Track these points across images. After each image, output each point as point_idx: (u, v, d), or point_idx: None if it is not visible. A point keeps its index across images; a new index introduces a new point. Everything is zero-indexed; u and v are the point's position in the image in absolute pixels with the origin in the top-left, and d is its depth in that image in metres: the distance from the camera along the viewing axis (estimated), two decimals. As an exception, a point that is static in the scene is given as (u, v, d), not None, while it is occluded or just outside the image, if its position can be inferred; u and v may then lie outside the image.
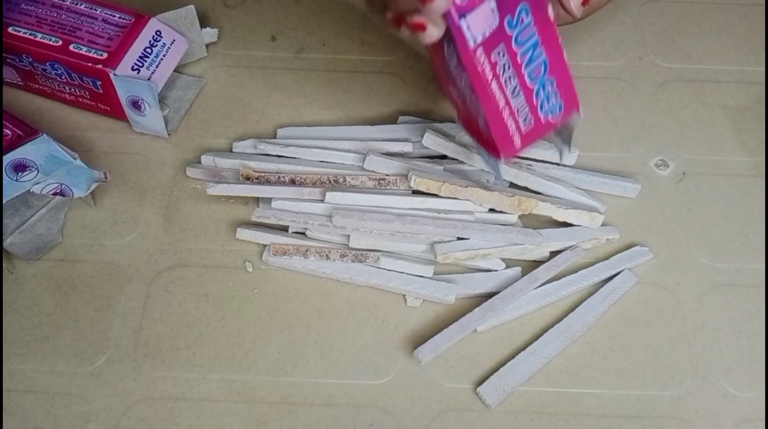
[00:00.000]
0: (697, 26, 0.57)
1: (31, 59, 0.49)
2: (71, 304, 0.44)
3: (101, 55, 0.48)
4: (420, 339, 0.42)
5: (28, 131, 0.45)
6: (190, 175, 0.49)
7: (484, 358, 0.43)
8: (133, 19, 0.49)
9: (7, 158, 0.43)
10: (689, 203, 0.49)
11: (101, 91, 0.49)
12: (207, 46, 0.54)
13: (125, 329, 0.44)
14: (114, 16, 0.49)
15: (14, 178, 0.43)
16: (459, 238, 0.45)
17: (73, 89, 0.50)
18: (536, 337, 0.43)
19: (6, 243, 0.45)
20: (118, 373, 0.42)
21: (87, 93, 0.50)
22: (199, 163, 0.49)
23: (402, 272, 0.45)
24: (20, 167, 0.43)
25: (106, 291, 0.45)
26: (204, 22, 0.55)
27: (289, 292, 0.45)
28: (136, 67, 0.48)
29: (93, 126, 0.51)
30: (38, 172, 0.44)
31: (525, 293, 0.44)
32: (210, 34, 0.54)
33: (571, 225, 0.47)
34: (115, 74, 0.47)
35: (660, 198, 0.49)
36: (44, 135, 0.44)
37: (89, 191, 0.44)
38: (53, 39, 0.48)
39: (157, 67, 0.49)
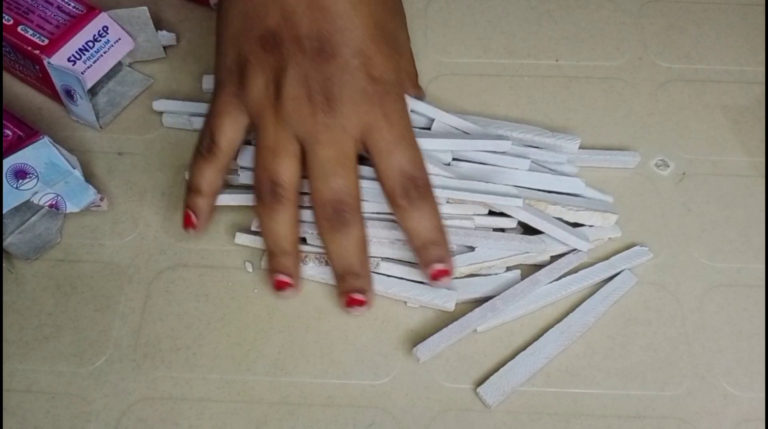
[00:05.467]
0: (697, 26, 0.57)
1: None
2: (71, 304, 0.44)
3: (43, 41, 0.48)
4: (420, 339, 0.42)
5: (29, 132, 0.45)
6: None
7: (484, 358, 0.43)
8: (84, 11, 0.49)
9: (8, 163, 0.43)
10: (689, 203, 0.48)
11: (41, 76, 0.49)
12: (167, 48, 0.54)
13: (125, 329, 0.44)
14: (69, 5, 0.50)
15: (15, 186, 0.43)
16: (460, 245, 0.45)
17: (22, 68, 0.51)
18: (536, 337, 0.43)
19: (5, 243, 0.45)
20: (118, 373, 0.42)
21: (32, 75, 0.50)
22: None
23: (402, 278, 0.45)
24: (21, 174, 0.44)
25: (106, 291, 0.45)
26: (162, 25, 0.54)
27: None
28: (73, 58, 0.48)
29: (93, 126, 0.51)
30: (38, 180, 0.44)
31: (526, 295, 0.44)
32: (167, 37, 0.53)
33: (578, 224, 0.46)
34: (49, 62, 0.48)
35: (660, 198, 0.49)
36: (45, 138, 0.44)
37: (81, 209, 0.45)
38: (6, 17, 0.49)
39: (95, 62, 0.49)
